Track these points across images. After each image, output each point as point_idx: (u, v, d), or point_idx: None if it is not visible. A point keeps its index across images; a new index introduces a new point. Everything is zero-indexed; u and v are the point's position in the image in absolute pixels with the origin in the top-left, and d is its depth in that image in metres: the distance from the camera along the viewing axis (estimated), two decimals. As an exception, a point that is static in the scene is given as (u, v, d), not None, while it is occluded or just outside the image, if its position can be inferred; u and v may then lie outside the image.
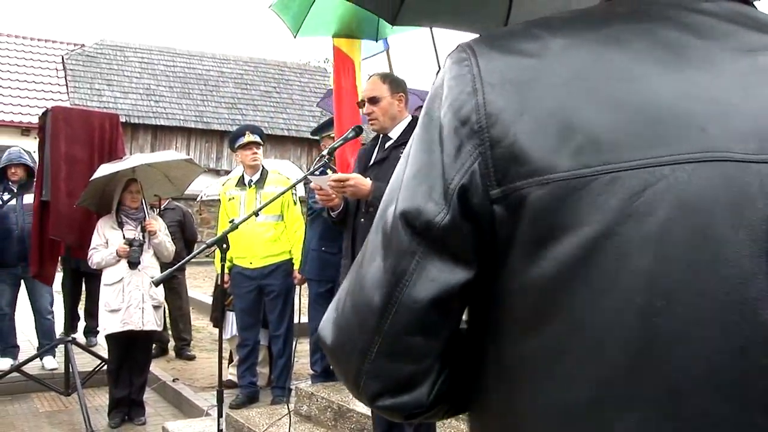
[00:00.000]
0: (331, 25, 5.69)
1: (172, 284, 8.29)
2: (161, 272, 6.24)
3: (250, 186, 6.46)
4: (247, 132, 6.47)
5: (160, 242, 6.34)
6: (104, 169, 6.23)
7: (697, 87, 0.92)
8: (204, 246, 4.27)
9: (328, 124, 6.57)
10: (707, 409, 0.86)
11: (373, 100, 4.08)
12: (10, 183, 7.98)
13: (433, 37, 4.53)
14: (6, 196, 7.95)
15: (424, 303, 0.98)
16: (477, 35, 1.07)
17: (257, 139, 6.44)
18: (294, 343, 4.57)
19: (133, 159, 6.70)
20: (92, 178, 6.19)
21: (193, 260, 4.74)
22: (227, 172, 18.24)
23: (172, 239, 6.73)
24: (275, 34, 73.01)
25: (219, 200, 7.06)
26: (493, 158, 0.94)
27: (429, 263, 0.97)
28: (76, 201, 6.42)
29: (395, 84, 4.15)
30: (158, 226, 6.41)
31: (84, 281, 8.70)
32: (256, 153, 6.43)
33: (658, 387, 0.87)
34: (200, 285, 13.87)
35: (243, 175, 6.59)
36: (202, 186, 13.08)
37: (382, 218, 1.05)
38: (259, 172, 6.50)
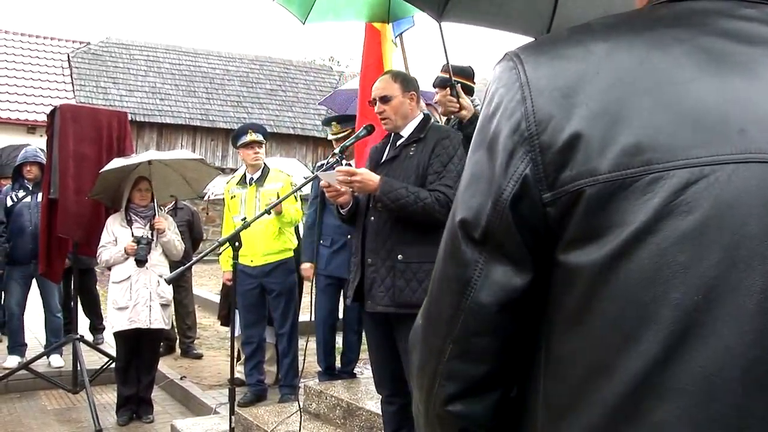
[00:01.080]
0: (339, 9, 5.63)
1: (180, 282, 8.31)
2: (170, 271, 6.27)
3: (250, 184, 6.48)
4: (249, 131, 6.47)
5: (169, 240, 6.34)
6: (118, 162, 6.27)
7: (737, 90, 0.95)
8: (217, 244, 4.34)
9: (342, 119, 6.54)
10: (739, 403, 0.88)
11: (385, 99, 4.07)
12: (25, 181, 8.08)
13: (441, 31, 4.49)
14: (21, 194, 8.05)
15: (490, 308, 1.05)
16: (518, 35, 1.12)
17: (259, 138, 6.45)
18: (306, 341, 4.57)
19: (149, 154, 6.72)
20: (103, 169, 6.22)
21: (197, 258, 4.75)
22: (233, 170, 18.17)
23: (182, 238, 6.73)
24: (281, 32, 73.10)
25: (221, 199, 7.10)
26: (543, 163, 0.99)
27: (491, 270, 1.04)
28: (87, 195, 6.45)
29: (406, 82, 4.14)
30: (167, 224, 6.42)
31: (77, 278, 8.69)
32: (257, 153, 6.44)
33: (692, 380, 0.89)
34: (206, 283, 13.89)
35: (245, 173, 6.62)
36: (209, 185, 13.09)
37: (447, 229, 1.12)
38: (261, 170, 6.51)
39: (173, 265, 6.51)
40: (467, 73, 5.30)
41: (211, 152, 22.22)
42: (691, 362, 0.89)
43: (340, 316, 6.55)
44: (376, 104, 4.11)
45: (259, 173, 6.49)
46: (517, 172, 1.01)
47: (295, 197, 6.40)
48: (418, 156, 3.94)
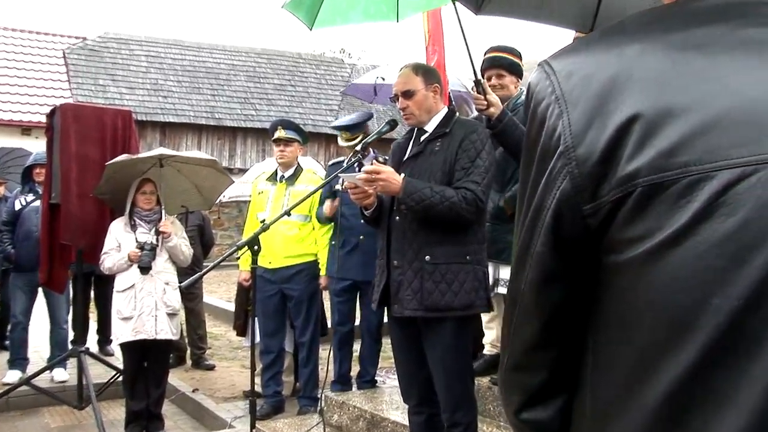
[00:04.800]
0: (346, 12, 5.72)
1: (190, 289, 8.35)
2: (178, 278, 6.33)
3: (281, 181, 6.65)
4: (279, 127, 6.68)
5: (175, 245, 6.34)
6: (126, 156, 6.37)
7: None
8: (234, 248, 4.43)
9: (352, 128, 6.52)
10: None
11: (407, 94, 4.13)
12: (35, 184, 8.20)
13: (458, 15, 4.47)
14: (30, 197, 8.17)
15: (535, 323, 1.16)
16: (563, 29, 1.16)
17: (289, 135, 6.63)
18: (329, 349, 4.63)
19: (160, 150, 6.77)
20: (110, 162, 6.28)
21: (206, 264, 4.80)
22: (241, 171, 18.25)
23: (191, 244, 6.75)
24: (288, 24, 73.22)
25: (235, 202, 7.17)
26: (581, 176, 1.03)
27: (536, 288, 1.14)
28: (92, 192, 6.47)
29: (428, 75, 4.21)
30: (173, 228, 6.44)
31: (94, 286, 8.83)
32: (284, 151, 6.61)
33: (734, 386, 0.90)
34: (216, 290, 13.95)
35: (276, 169, 6.78)
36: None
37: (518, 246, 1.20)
38: (293, 168, 6.68)
39: (181, 272, 6.56)
40: (513, 51, 5.28)
41: (218, 152, 22.31)
42: (733, 369, 0.90)
43: (357, 322, 6.61)
44: (398, 100, 4.18)
45: (291, 171, 6.68)
46: (555, 187, 1.06)
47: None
48: (444, 151, 4.00)
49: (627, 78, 1.01)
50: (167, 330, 6.25)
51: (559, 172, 1.06)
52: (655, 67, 1.01)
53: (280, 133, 6.58)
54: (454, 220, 3.84)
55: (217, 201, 13.30)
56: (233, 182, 7.71)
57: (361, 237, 6.11)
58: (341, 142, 6.60)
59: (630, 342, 1.00)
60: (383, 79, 9.44)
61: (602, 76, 1.04)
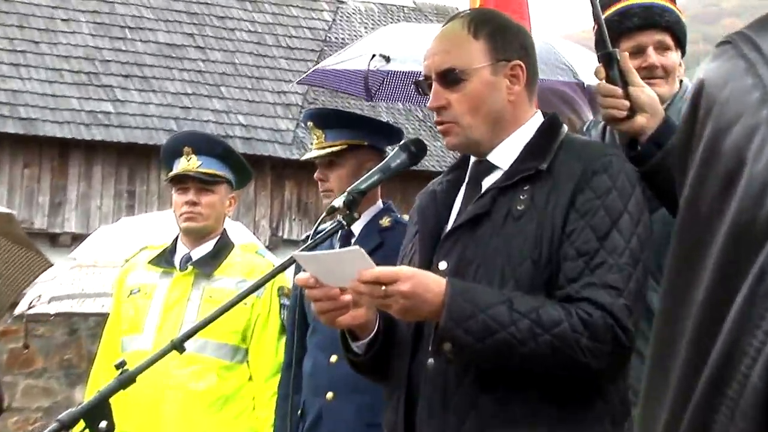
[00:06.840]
0: None
1: None
2: None
3: (183, 269, 6.00)
4: (185, 149, 5.98)
5: None
6: None
7: None
8: (56, 424, 3.60)
9: (331, 118, 6.06)
10: None
11: (448, 78, 3.68)
12: None
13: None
14: None
15: None
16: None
17: (207, 169, 5.98)
18: None
19: None
20: None
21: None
22: (79, 239, 17.01)
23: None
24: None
25: (63, 315, 6.44)
26: None
27: None
28: None
29: (501, 38, 3.77)
30: None
31: None
32: (196, 204, 5.92)
33: None
34: None
35: (175, 241, 6.14)
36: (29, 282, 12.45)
37: None
38: (212, 242, 6.07)
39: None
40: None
41: (26, 198, 21.04)
42: None
43: None
44: (430, 88, 3.77)
45: (207, 248, 6.08)
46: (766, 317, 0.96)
47: (281, 319, 6.02)
48: (538, 213, 3.56)
49: None
50: None
51: None
52: None
53: (189, 164, 5.90)
54: (561, 372, 3.48)
55: (21, 309, 12.41)
56: (49, 265, 6.92)
57: (329, 394, 5.46)
58: (309, 153, 5.92)
59: None
60: (387, 59, 7.90)
61: None
